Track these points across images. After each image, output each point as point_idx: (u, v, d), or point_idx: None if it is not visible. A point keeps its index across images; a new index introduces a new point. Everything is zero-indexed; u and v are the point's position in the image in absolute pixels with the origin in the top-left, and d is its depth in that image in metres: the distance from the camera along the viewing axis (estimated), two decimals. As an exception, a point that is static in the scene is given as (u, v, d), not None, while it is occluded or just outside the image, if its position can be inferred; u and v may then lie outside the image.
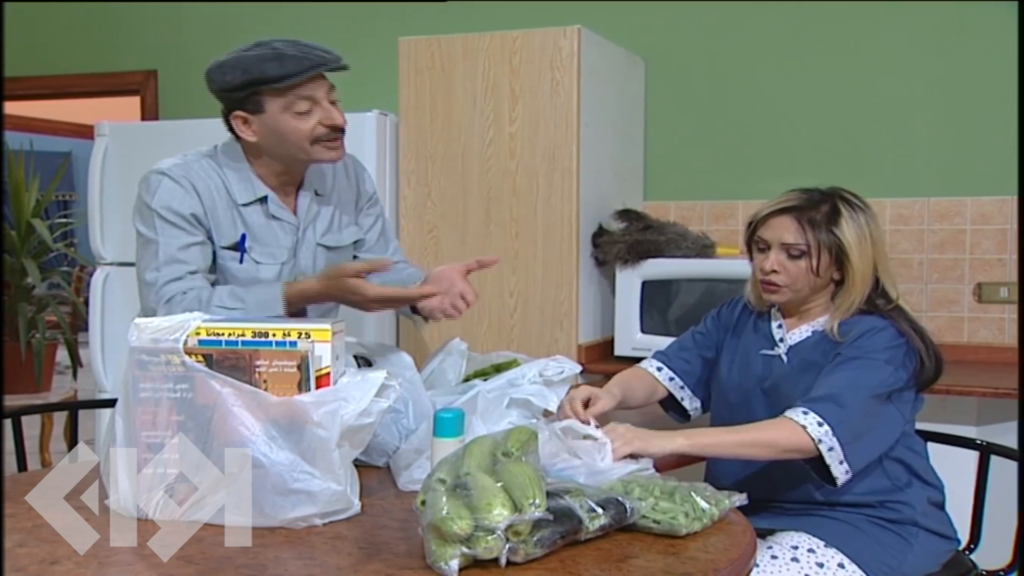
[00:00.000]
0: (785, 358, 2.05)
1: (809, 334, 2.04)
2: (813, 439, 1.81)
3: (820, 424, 1.81)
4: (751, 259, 2.09)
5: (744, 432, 1.86)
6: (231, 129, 2.10)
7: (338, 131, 2.07)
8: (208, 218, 2.07)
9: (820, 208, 1.99)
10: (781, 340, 2.07)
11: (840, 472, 1.84)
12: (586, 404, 1.97)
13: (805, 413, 1.83)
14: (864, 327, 1.96)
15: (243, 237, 2.10)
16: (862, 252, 1.97)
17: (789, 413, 1.85)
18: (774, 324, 2.10)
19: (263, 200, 2.12)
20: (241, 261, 2.10)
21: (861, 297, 1.98)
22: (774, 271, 2.00)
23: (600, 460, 1.68)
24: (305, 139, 2.04)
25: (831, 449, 1.82)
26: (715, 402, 2.18)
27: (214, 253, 2.10)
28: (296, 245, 2.16)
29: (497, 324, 3.31)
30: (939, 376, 2.01)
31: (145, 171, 2.14)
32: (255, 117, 2.03)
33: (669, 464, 2.03)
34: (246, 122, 2.05)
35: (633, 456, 1.73)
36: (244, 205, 2.10)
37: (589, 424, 1.82)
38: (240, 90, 2.00)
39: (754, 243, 2.06)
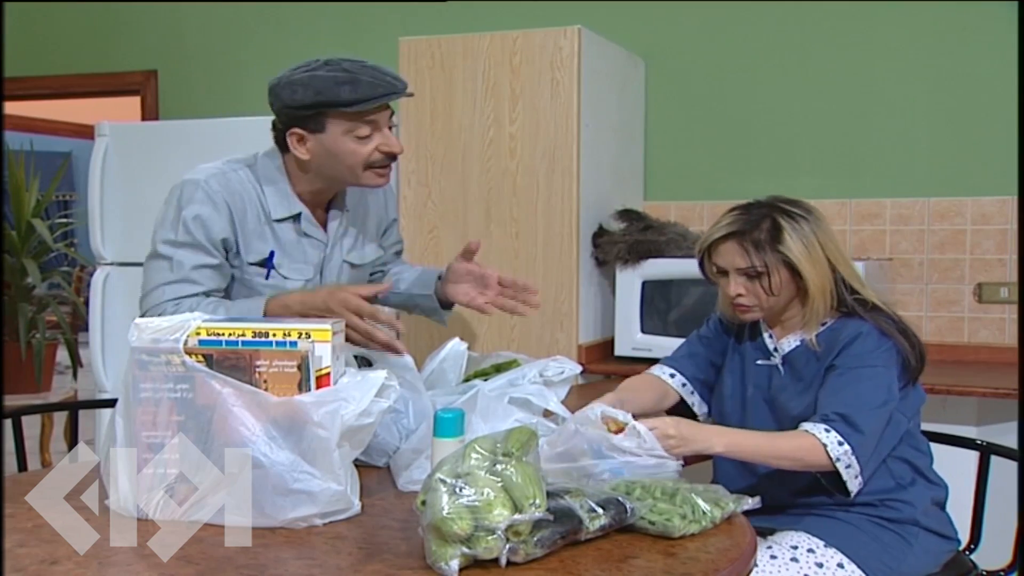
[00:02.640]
0: (781, 369, 2.05)
1: (798, 343, 2.04)
2: (832, 457, 1.83)
3: (840, 444, 1.83)
4: (711, 282, 2.09)
5: (775, 441, 1.88)
6: (279, 143, 2.08)
7: (392, 158, 2.06)
8: (239, 235, 2.05)
9: (761, 227, 1.97)
10: (775, 350, 2.07)
11: (855, 486, 1.87)
12: None
13: (827, 431, 1.84)
14: (848, 333, 1.96)
15: (272, 254, 2.08)
16: (814, 262, 1.96)
17: (811, 428, 1.85)
18: (765, 334, 2.10)
19: (296, 217, 2.11)
20: (268, 277, 2.09)
21: (826, 304, 1.98)
22: (740, 294, 2.00)
23: (644, 445, 1.70)
24: (360, 163, 2.02)
25: (849, 467, 1.84)
26: (715, 410, 2.18)
27: (234, 271, 2.09)
28: (323, 261, 2.16)
29: (497, 324, 3.31)
30: (923, 366, 2.00)
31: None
32: (313, 136, 2.01)
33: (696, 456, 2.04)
34: (302, 140, 2.02)
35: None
36: (278, 221, 2.09)
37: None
38: (307, 109, 1.98)
39: (711, 269, 2.06)
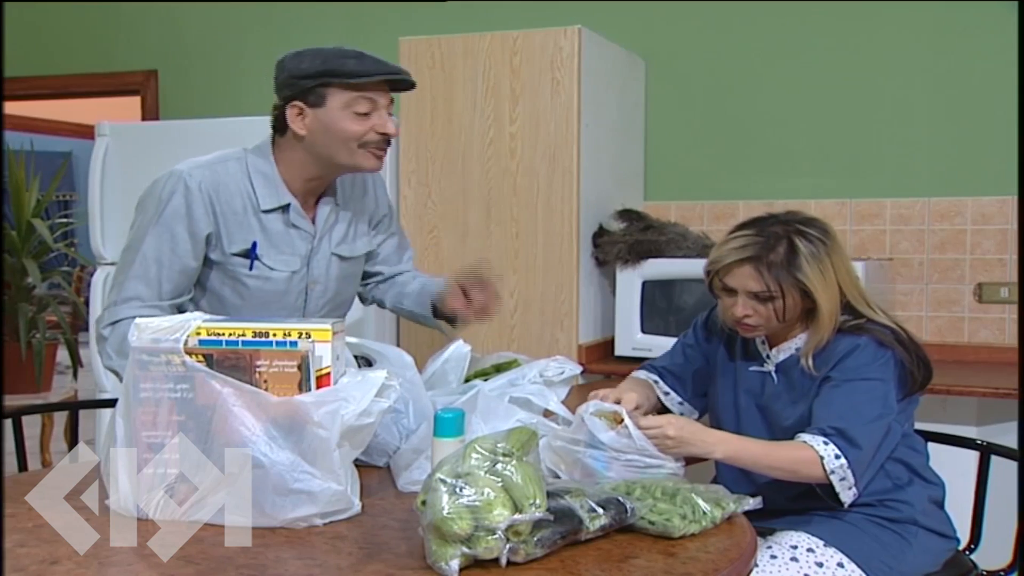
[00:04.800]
0: (775, 377, 2.05)
1: (793, 351, 2.03)
2: (827, 470, 1.83)
3: (838, 457, 1.83)
4: (717, 297, 2.05)
5: (773, 451, 1.88)
6: (277, 122, 2.09)
7: (387, 141, 2.08)
8: (220, 227, 2.06)
9: (777, 249, 1.93)
10: (768, 357, 2.06)
11: (849, 497, 1.88)
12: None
13: (825, 443, 1.83)
14: (844, 347, 1.94)
15: (254, 245, 2.09)
16: (827, 287, 1.93)
17: (809, 440, 1.85)
18: (758, 340, 2.09)
19: (285, 208, 2.11)
20: (251, 268, 2.09)
21: (832, 327, 1.95)
22: (747, 315, 1.97)
23: (634, 446, 1.71)
24: (354, 140, 2.03)
25: (843, 479, 1.84)
26: (711, 416, 2.18)
27: (217, 263, 2.09)
28: (311, 253, 2.16)
29: (497, 324, 3.31)
30: (929, 380, 1.99)
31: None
32: (312, 110, 2.02)
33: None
34: (301, 113, 2.03)
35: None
36: (266, 212, 2.09)
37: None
38: (310, 79, 2.00)
39: (718, 287, 2.02)
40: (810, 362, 1.97)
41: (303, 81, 2.01)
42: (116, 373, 2.03)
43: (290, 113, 2.04)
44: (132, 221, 2.11)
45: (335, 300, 2.26)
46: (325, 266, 2.19)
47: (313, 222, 2.16)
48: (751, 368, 2.08)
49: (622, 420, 1.77)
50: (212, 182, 2.05)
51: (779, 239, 1.94)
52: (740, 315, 1.97)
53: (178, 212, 2.03)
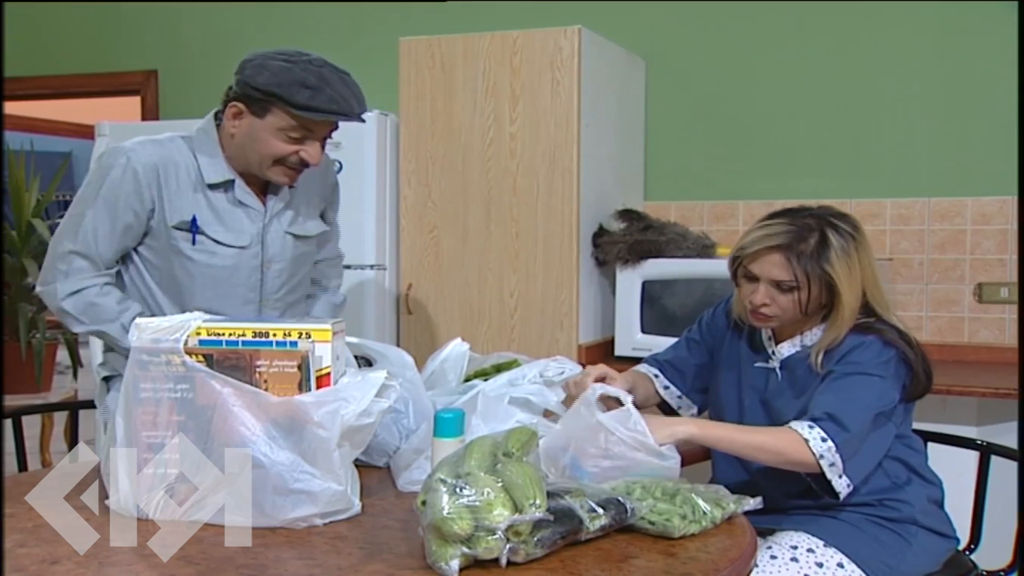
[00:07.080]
0: (779, 373, 2.04)
1: (799, 348, 2.02)
2: (815, 454, 1.81)
3: (824, 440, 1.81)
4: (737, 285, 2.04)
5: (753, 434, 1.86)
6: (221, 111, 2.11)
7: (306, 166, 2.09)
8: (164, 199, 2.09)
9: (808, 240, 1.92)
10: (773, 353, 2.06)
11: (842, 486, 1.85)
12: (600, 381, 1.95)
13: (811, 427, 1.82)
14: (848, 345, 1.94)
15: (194, 219, 2.10)
16: (851, 283, 1.92)
17: (795, 425, 1.84)
18: (764, 335, 2.08)
19: (230, 185, 2.13)
20: (194, 243, 2.11)
21: (848, 327, 1.95)
22: (765, 304, 1.96)
23: (632, 428, 1.69)
24: (271, 158, 2.05)
25: (832, 464, 1.82)
26: (712, 411, 2.18)
27: (159, 238, 2.11)
28: (263, 232, 2.17)
29: (497, 324, 3.31)
30: (929, 389, 1.99)
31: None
32: (250, 117, 2.05)
33: (697, 455, 2.03)
34: (238, 115, 2.06)
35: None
36: (212, 187, 2.12)
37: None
38: (258, 91, 2.01)
39: (741, 273, 2.01)
40: (819, 359, 1.96)
41: (253, 91, 2.02)
42: (99, 335, 2.11)
43: (229, 110, 2.07)
44: (79, 191, 2.15)
45: (291, 281, 2.26)
46: (280, 246, 2.21)
47: (264, 203, 2.18)
48: (756, 364, 2.08)
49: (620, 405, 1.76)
50: (159, 156, 2.09)
51: (811, 230, 1.93)
52: (759, 303, 1.96)
53: (118, 188, 2.06)
